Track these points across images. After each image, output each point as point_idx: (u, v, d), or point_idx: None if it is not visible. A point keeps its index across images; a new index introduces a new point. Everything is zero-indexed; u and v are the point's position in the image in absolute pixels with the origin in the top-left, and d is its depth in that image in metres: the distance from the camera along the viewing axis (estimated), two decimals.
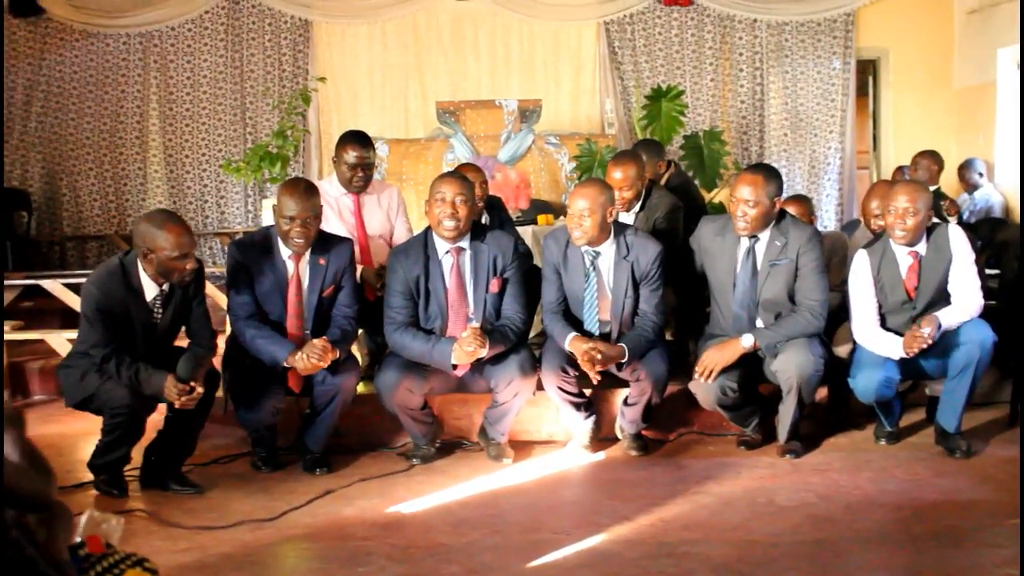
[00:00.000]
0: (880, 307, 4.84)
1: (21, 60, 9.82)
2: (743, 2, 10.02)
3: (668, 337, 5.59)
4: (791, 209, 5.34)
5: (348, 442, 5.11)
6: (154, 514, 4.19)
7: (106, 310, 4.32)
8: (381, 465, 4.87)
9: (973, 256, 4.80)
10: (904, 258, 4.79)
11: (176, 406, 4.37)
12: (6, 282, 7.31)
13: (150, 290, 4.42)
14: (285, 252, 4.75)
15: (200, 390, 4.37)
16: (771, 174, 4.80)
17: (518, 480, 4.63)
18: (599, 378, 4.73)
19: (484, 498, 4.38)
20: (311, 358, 4.58)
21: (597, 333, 4.87)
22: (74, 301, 6.39)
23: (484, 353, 4.65)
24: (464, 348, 4.62)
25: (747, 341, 4.73)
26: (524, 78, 10.20)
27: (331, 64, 10.13)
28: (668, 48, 10.16)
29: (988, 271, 6.66)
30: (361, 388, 5.38)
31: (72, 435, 5.36)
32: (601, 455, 4.96)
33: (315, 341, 4.61)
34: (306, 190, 4.70)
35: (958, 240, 4.78)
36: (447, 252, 4.81)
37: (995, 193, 8.69)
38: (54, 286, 6.85)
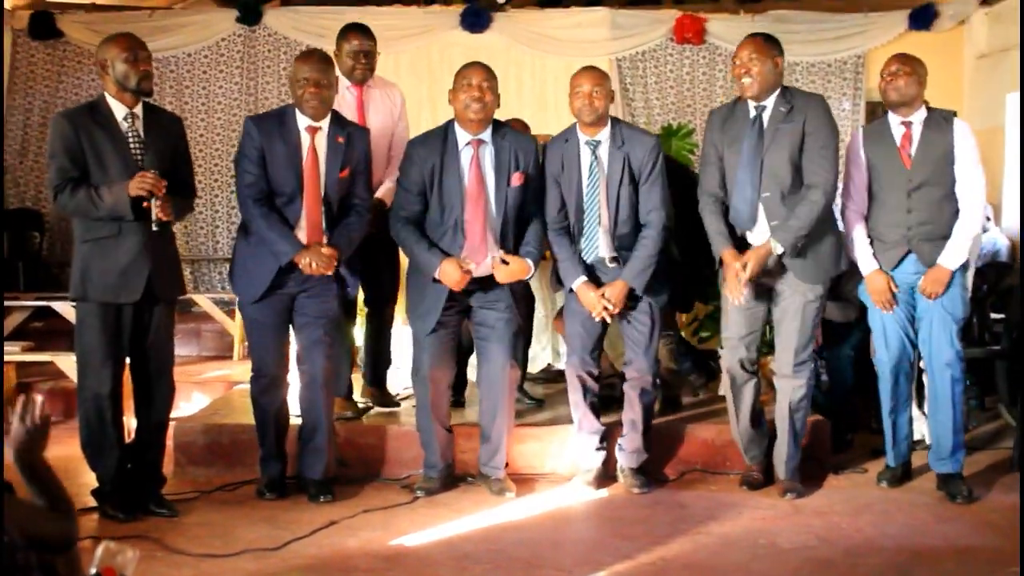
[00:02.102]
0: (875, 184, 4.88)
1: (39, 82, 9.93)
2: None
3: (671, 364, 5.62)
4: None
5: (352, 472, 5.13)
6: (159, 540, 4.21)
7: (73, 140, 4.34)
8: (385, 496, 4.88)
9: (977, 153, 4.81)
10: (898, 128, 4.87)
11: (145, 191, 4.29)
12: (17, 303, 7.37)
13: (119, 110, 4.43)
14: (303, 123, 4.69)
15: (165, 182, 4.32)
16: (769, 38, 4.78)
17: (521, 515, 4.65)
18: (611, 315, 4.76)
19: (487, 532, 4.40)
20: (318, 264, 4.60)
21: (600, 237, 4.84)
22: None
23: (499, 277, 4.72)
24: (463, 266, 4.63)
25: (777, 249, 4.64)
26: (536, 113, 10.22)
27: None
28: (679, 86, 10.24)
29: (993, 315, 6.70)
30: (364, 419, 5.42)
31: (77, 458, 5.38)
32: (604, 492, 4.97)
33: (324, 249, 4.62)
34: (321, 59, 4.76)
35: (962, 131, 4.81)
36: (467, 144, 4.79)
37: (1001, 237, 8.71)
38: (65, 308, 6.90)
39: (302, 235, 4.67)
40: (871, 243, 4.91)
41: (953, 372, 4.80)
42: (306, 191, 4.67)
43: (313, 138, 4.70)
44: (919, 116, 4.86)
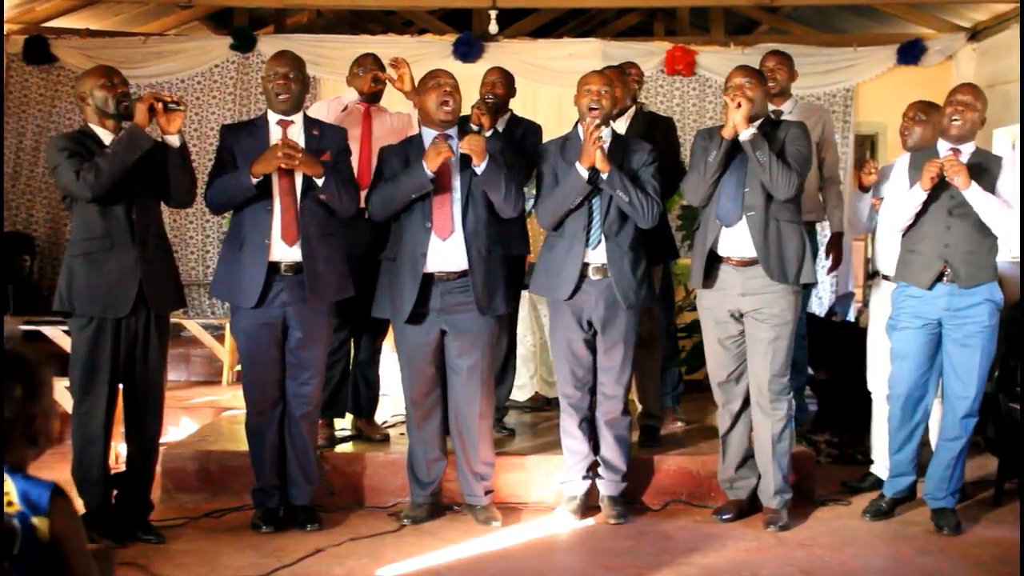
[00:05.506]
0: (918, 215, 4.78)
1: (32, 106, 9.95)
2: None
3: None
4: None
5: (339, 500, 5.15)
6: (145, 567, 4.23)
7: (74, 152, 4.40)
8: (371, 525, 4.89)
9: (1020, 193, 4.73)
10: (946, 152, 4.75)
11: (158, 107, 4.42)
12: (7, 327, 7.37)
13: (105, 136, 4.50)
14: (274, 119, 4.76)
15: (183, 101, 4.51)
16: (759, 72, 5.00)
17: (505, 544, 4.67)
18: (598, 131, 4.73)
19: (472, 562, 4.42)
20: (283, 147, 4.55)
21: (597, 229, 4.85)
22: None
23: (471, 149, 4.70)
24: (439, 147, 4.66)
25: (751, 130, 4.65)
26: None
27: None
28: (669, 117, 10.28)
29: None
30: (350, 447, 5.44)
31: (65, 483, 5.38)
32: (589, 521, 4.98)
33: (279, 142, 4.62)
34: (291, 57, 4.88)
35: (1009, 172, 4.74)
36: (434, 138, 4.81)
37: None
38: (55, 332, 6.90)
39: (276, 229, 4.65)
40: (908, 256, 4.87)
41: (967, 425, 4.80)
42: (279, 184, 4.67)
43: (285, 131, 4.74)
44: (968, 148, 4.79)
